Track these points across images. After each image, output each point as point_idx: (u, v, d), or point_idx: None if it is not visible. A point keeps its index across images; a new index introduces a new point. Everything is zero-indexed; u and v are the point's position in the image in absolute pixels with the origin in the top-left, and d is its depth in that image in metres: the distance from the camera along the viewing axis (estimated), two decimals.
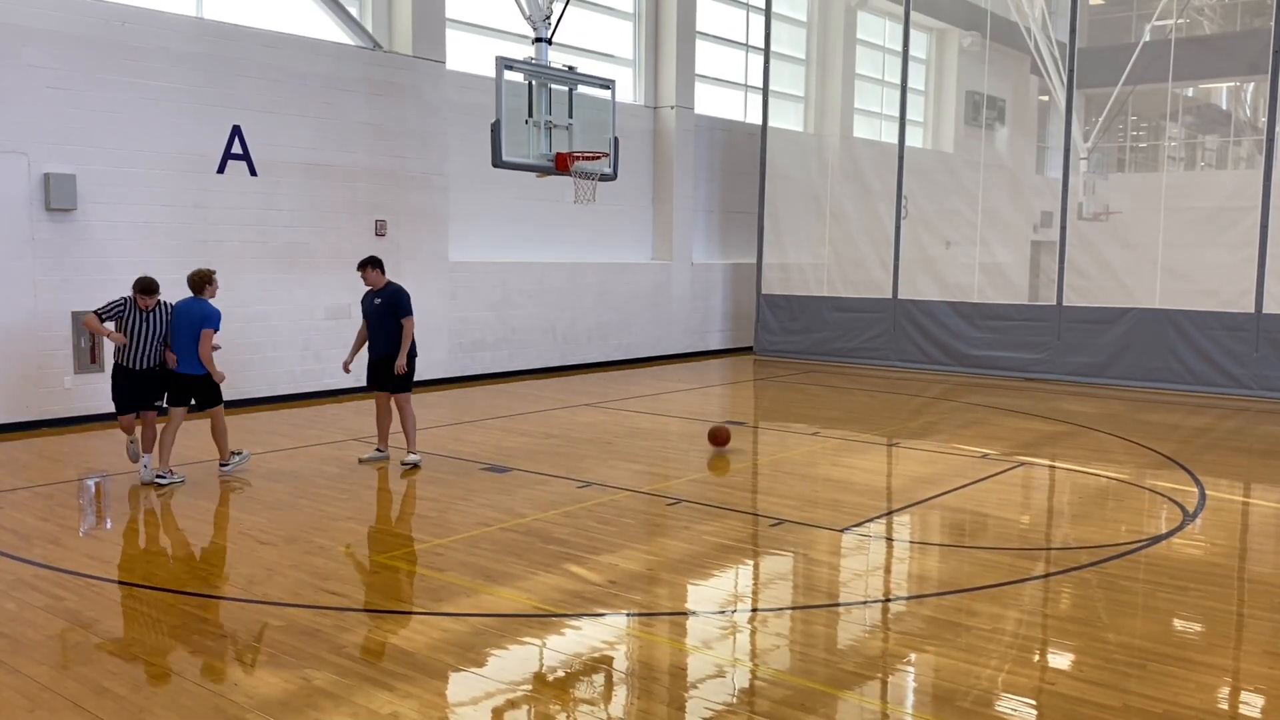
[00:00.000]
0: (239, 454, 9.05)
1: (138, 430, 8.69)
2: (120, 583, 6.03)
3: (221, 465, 8.89)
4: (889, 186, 17.74)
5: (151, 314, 8.37)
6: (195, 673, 4.76)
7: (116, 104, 11.27)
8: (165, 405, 8.60)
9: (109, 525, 7.55)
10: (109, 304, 8.35)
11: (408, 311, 9.33)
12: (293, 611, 5.57)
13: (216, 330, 8.56)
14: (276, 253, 12.81)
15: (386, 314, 9.33)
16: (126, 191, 11.40)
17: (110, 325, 8.31)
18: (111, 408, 8.72)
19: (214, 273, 8.77)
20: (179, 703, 4.45)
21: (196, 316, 8.49)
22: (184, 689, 4.59)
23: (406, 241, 14.05)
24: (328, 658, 4.94)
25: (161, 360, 8.46)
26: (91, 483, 8.80)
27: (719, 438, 10.26)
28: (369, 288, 9.42)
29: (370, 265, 9.38)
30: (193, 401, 8.66)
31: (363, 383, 9.78)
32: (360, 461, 9.43)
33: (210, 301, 8.65)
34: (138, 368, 8.37)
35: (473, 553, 6.68)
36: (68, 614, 5.52)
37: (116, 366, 8.45)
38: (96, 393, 11.18)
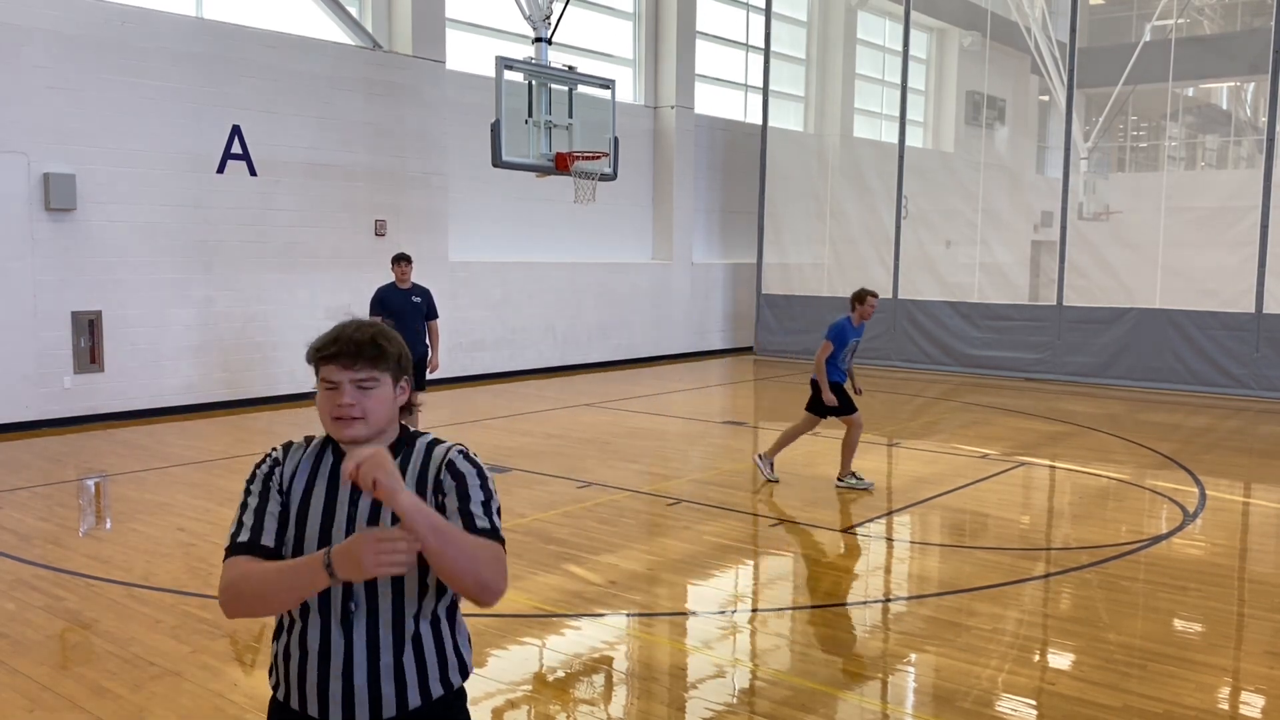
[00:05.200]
0: (858, 477, 8.66)
1: None
2: (120, 583, 6.03)
3: (838, 480, 8.71)
4: (889, 186, 17.74)
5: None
6: (195, 673, 4.76)
7: (116, 104, 11.27)
8: None
9: (109, 525, 7.55)
10: (263, 466, 2.34)
11: (437, 312, 9.62)
12: None
13: (828, 341, 8.47)
14: (276, 253, 12.80)
15: (422, 312, 9.47)
16: (126, 191, 11.40)
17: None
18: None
19: (864, 292, 8.63)
20: (179, 703, 4.45)
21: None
22: (184, 689, 4.59)
23: (406, 241, 14.01)
24: None
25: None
26: (91, 483, 8.80)
27: None
28: (401, 285, 9.42)
29: (408, 261, 9.48)
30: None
31: None
32: None
33: (845, 318, 8.61)
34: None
35: None
36: (68, 614, 5.52)
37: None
38: (96, 393, 11.19)
